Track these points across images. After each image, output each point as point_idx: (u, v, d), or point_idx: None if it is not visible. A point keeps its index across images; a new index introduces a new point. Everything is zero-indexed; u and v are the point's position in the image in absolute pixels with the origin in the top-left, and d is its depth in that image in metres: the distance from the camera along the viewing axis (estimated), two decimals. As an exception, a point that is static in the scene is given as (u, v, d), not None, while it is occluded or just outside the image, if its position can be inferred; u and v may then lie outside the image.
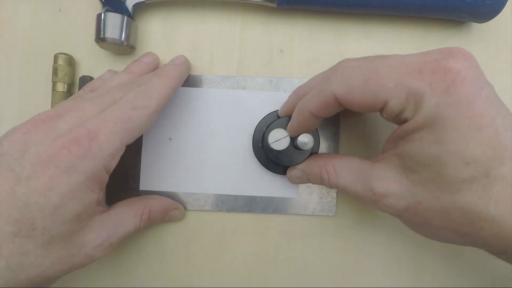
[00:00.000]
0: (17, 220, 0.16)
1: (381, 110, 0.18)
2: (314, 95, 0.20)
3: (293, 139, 0.23)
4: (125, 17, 0.25)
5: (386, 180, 0.19)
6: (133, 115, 0.19)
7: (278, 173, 0.26)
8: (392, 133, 0.20)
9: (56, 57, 0.27)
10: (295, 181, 0.25)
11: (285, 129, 0.23)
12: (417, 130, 0.17)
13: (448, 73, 0.16)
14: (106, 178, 0.19)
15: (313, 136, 0.22)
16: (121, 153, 0.19)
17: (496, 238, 0.16)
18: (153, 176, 0.27)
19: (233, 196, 0.27)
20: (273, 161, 0.25)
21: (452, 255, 0.27)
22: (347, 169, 0.21)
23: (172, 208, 0.26)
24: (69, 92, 0.27)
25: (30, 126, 0.18)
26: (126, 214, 0.22)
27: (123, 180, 0.26)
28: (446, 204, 0.17)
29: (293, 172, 0.24)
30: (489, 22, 0.26)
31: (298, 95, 0.23)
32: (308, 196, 0.27)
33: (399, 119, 0.18)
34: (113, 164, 0.19)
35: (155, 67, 0.26)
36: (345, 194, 0.27)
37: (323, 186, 0.24)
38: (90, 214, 0.19)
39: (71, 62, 0.27)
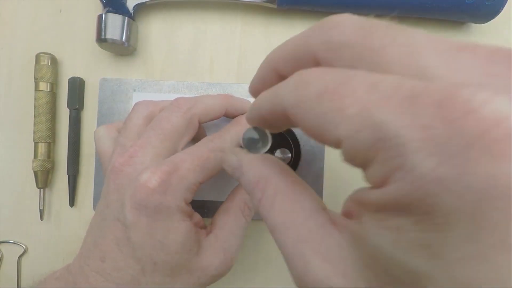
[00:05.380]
0: (139, 259, 0.18)
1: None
2: (267, 97, 0.14)
3: (271, 150, 0.21)
4: (126, 18, 0.25)
5: (329, 261, 0.11)
6: (210, 155, 0.20)
7: None
8: (356, 193, 0.11)
9: (38, 57, 0.27)
10: (228, 170, 0.15)
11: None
12: (394, 211, 0.09)
13: (457, 103, 0.08)
14: (188, 208, 0.20)
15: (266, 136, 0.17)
16: (196, 189, 0.20)
17: None
18: None
19: (219, 203, 0.25)
20: None
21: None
22: (292, 198, 0.12)
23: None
24: (51, 91, 0.27)
25: (114, 175, 0.20)
26: (229, 223, 0.22)
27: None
28: None
29: (229, 156, 0.15)
30: (488, 23, 0.26)
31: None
32: None
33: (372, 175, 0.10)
34: (190, 197, 0.20)
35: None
36: (329, 199, 0.26)
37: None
38: (194, 239, 0.20)
39: (53, 61, 0.27)
